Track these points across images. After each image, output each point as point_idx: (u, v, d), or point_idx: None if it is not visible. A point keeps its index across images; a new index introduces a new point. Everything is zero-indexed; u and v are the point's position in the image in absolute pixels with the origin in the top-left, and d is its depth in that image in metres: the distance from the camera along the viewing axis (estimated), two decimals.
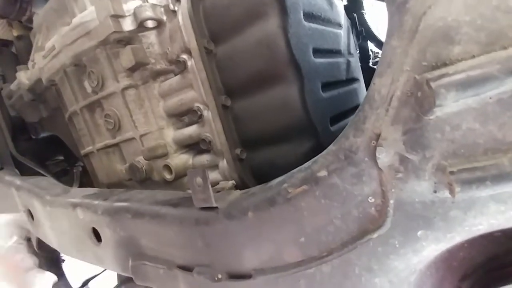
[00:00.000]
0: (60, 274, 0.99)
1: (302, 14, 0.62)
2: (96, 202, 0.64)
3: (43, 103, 0.94)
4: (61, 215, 0.73)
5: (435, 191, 0.35)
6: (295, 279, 0.44)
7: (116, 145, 0.79)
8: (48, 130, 1.01)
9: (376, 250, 0.40)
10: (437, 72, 0.32)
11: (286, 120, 0.59)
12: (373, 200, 0.39)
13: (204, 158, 0.73)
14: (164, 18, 0.68)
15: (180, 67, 0.68)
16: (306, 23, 0.63)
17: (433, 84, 0.32)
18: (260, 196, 0.45)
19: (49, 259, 1.01)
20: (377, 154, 0.37)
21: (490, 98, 0.31)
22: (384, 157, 0.36)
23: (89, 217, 0.65)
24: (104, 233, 0.63)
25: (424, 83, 0.33)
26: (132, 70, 0.71)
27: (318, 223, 0.42)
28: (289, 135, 0.60)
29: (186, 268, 0.53)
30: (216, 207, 0.48)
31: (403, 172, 0.36)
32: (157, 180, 0.76)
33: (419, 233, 0.38)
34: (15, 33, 1.12)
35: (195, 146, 0.74)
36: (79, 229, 0.68)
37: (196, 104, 0.68)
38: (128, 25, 0.68)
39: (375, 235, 0.39)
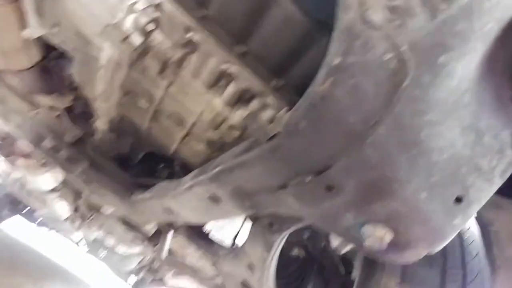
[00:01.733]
0: (210, 242, 1.30)
1: None
2: (201, 177, 0.83)
3: (125, 133, 1.17)
4: (187, 199, 0.95)
5: (432, 18, 0.38)
6: (363, 150, 0.53)
7: (188, 133, 0.95)
8: (141, 151, 1.26)
9: (415, 93, 0.46)
10: None
11: (294, 31, 0.64)
12: (389, 55, 0.44)
13: (255, 103, 0.83)
14: (156, 14, 0.77)
15: (191, 45, 0.77)
16: None
17: None
18: (303, 106, 0.54)
19: (200, 234, 1.32)
20: (369, 19, 0.41)
21: None
22: (377, 17, 0.40)
23: (203, 189, 0.84)
24: (219, 194, 0.82)
25: None
26: (161, 71, 0.84)
27: (358, 99, 0.49)
28: (305, 43, 0.65)
29: (284, 186, 0.66)
30: (277, 133, 0.59)
31: (398, 19, 0.39)
32: (231, 141, 0.90)
33: (440, 59, 0.41)
34: (69, 98, 1.36)
35: (242, 98, 0.85)
36: (202, 201, 0.89)
37: (222, 66, 0.77)
38: (137, 39, 0.79)
39: (407, 81, 0.45)
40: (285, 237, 0.94)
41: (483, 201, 0.56)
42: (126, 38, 0.79)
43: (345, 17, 0.43)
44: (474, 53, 0.42)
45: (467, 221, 0.59)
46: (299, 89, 0.75)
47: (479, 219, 0.71)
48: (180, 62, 0.84)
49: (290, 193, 0.67)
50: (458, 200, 0.56)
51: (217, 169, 0.76)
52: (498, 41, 0.44)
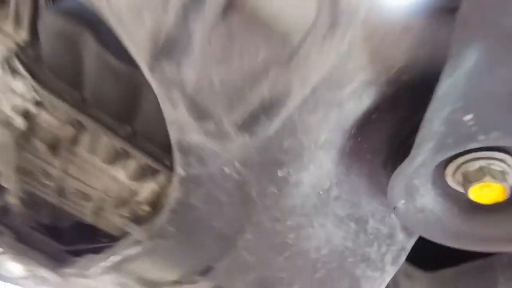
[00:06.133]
0: None
1: None
2: (103, 263, 0.77)
3: (40, 207, 1.09)
4: (103, 282, 0.89)
5: (251, 141, 0.35)
6: (238, 253, 0.49)
7: (99, 207, 0.89)
8: (64, 220, 1.19)
9: (266, 202, 0.42)
10: None
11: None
12: (227, 169, 0.40)
13: (161, 177, 0.78)
14: (36, 96, 0.72)
15: (79, 124, 0.72)
16: None
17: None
18: (167, 212, 0.50)
19: None
20: (188, 139, 0.37)
21: None
22: (195, 138, 0.37)
23: (111, 276, 0.78)
24: (126, 282, 0.76)
25: None
26: (54, 151, 0.78)
27: (215, 207, 0.45)
28: None
29: (179, 282, 0.61)
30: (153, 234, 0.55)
31: (216, 141, 0.36)
32: (145, 217, 0.85)
33: (279, 173, 0.38)
34: None
35: (147, 172, 0.80)
36: (116, 286, 0.83)
37: (115, 144, 0.73)
38: (20, 122, 0.74)
39: (254, 193, 0.41)
40: None
41: None
42: (8, 122, 0.74)
43: (171, 133, 0.39)
44: (319, 160, 0.39)
45: None
46: None
47: None
48: (74, 140, 0.80)
49: None
50: None
51: (114, 259, 0.71)
52: (353, 139, 0.41)
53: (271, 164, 0.38)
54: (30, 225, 1.25)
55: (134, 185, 0.84)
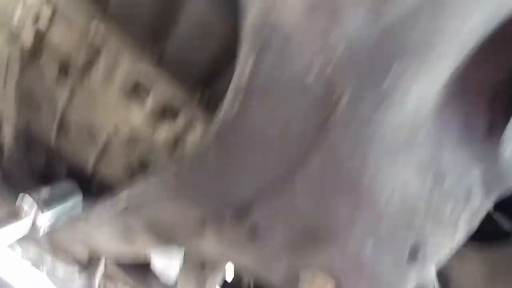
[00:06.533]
0: (144, 275, 1.14)
1: None
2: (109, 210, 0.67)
3: (34, 150, 0.98)
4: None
5: (372, 21, 0.26)
6: (292, 189, 0.41)
7: (104, 150, 0.79)
8: (59, 169, 1.08)
9: (352, 127, 0.33)
10: None
11: (213, 34, 0.51)
12: (312, 76, 0.31)
13: (180, 121, 0.69)
14: (49, 9, 0.61)
15: (95, 48, 0.61)
16: None
17: None
18: (211, 134, 0.41)
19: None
20: (276, 21, 0.28)
21: None
22: (288, 20, 0.27)
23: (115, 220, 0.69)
24: (132, 225, 0.67)
25: None
26: (62, 75, 0.67)
27: (276, 130, 0.36)
28: (230, 47, 0.52)
29: (202, 223, 0.53)
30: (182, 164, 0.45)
31: (318, 24, 0.27)
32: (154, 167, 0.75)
33: (385, 84, 0.29)
34: None
35: (166, 114, 0.70)
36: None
37: (135, 73, 0.62)
38: (28, 37, 0.63)
39: (339, 112, 0.32)
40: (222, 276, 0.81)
41: (443, 256, 0.46)
42: (15, 36, 0.63)
43: (249, 13, 0.30)
44: (436, 72, 0.30)
45: (423, 279, 0.48)
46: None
47: (439, 272, 0.61)
48: (88, 63, 0.69)
49: (210, 233, 0.54)
50: (413, 254, 0.45)
51: (124, 203, 0.62)
52: (479, 52, 0.31)
53: (382, 63, 0.28)
54: (21, 168, 1.14)
55: (149, 126, 0.74)
